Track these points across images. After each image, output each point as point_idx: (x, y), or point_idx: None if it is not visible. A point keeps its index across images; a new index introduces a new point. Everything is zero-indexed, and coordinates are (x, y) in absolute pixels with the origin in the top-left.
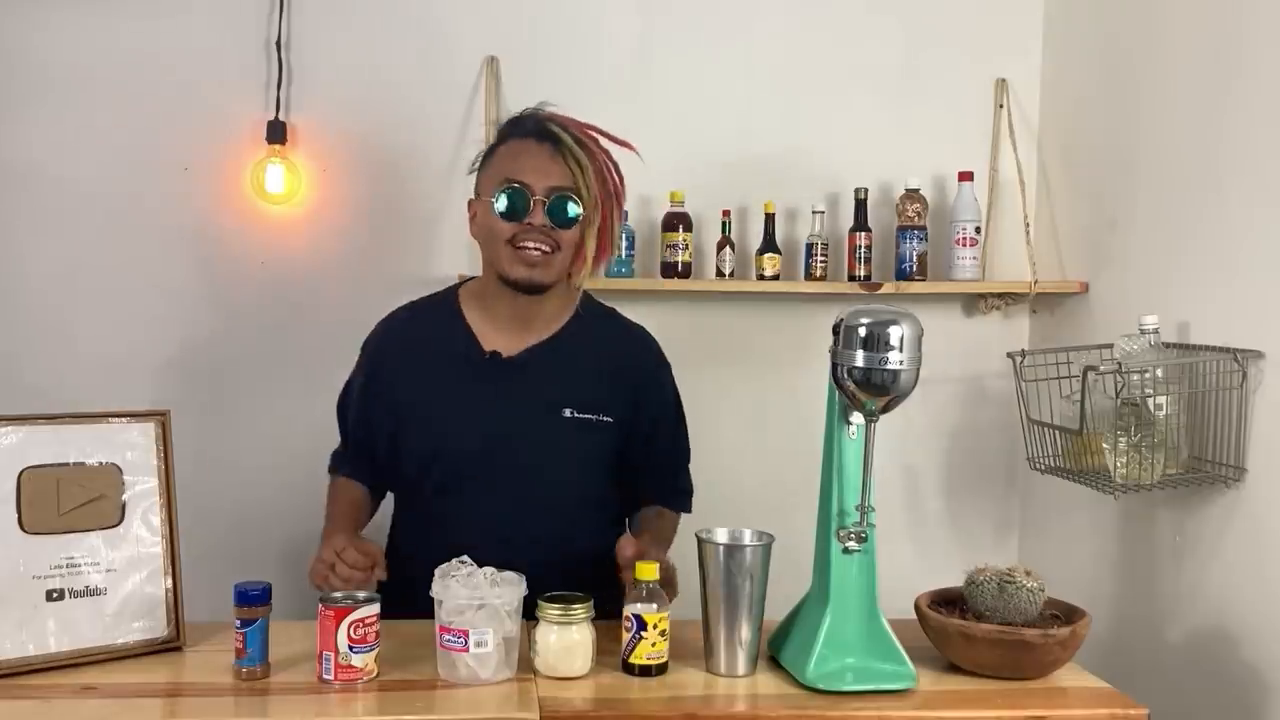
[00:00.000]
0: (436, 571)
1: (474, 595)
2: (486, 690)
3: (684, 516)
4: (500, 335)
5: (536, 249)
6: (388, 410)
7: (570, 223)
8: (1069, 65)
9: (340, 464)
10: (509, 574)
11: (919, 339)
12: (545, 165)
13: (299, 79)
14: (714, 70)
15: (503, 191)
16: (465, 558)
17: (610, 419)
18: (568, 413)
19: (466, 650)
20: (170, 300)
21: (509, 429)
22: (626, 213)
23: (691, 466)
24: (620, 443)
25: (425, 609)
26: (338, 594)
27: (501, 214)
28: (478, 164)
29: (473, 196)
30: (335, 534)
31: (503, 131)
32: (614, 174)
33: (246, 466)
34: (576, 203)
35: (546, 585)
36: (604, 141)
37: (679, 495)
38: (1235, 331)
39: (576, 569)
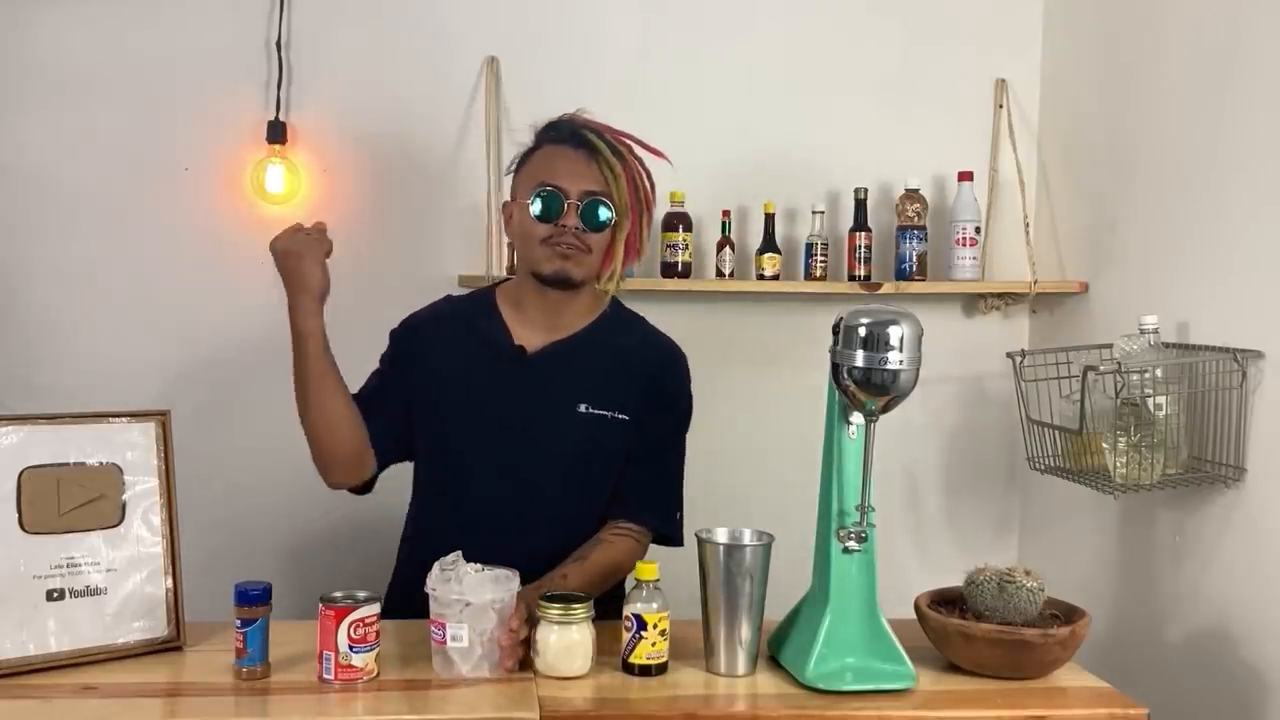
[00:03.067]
0: (435, 565)
1: (459, 591)
2: (486, 690)
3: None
4: (530, 332)
5: (569, 247)
6: (407, 385)
7: (601, 226)
8: (1069, 65)
9: None
10: (500, 571)
11: (919, 339)
12: (580, 170)
13: (299, 79)
14: (714, 70)
15: (538, 194)
16: (459, 553)
17: (626, 416)
18: (582, 408)
19: (444, 644)
20: (170, 300)
21: (522, 422)
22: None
23: (692, 466)
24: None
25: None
26: (338, 594)
27: (536, 216)
28: (514, 167)
29: (508, 199)
30: None
31: (539, 137)
32: (645, 182)
33: (247, 466)
34: (608, 207)
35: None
36: (638, 150)
37: (659, 514)
38: (1235, 331)
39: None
